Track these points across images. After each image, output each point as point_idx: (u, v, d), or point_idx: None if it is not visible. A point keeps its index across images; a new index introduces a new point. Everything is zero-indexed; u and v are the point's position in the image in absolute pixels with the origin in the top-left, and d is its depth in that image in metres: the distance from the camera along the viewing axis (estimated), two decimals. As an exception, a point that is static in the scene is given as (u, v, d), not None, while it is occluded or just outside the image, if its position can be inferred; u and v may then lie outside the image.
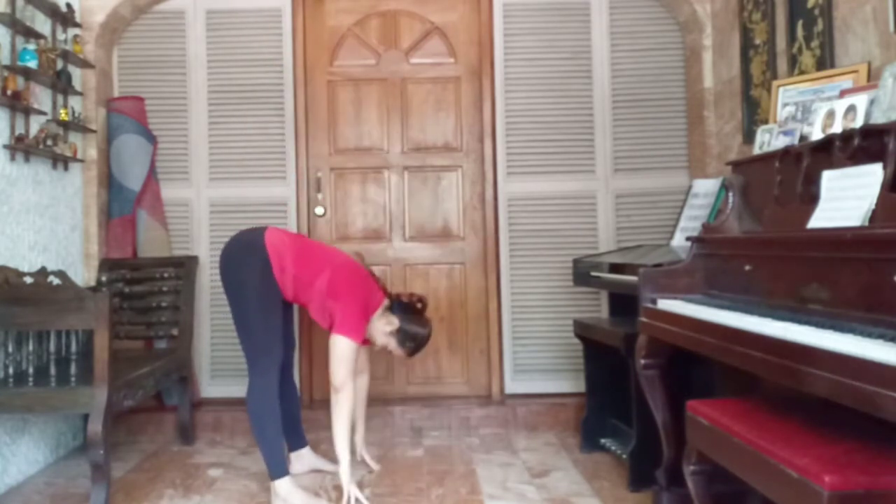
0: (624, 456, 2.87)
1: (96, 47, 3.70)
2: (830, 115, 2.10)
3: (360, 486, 2.89)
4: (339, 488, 2.86)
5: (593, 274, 3.17)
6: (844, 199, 1.83)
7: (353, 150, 3.95)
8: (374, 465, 3.09)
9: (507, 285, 3.86)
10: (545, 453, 3.29)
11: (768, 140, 2.52)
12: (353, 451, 2.81)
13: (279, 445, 2.68)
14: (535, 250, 3.86)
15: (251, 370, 2.69)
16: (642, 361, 2.40)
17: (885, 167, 1.74)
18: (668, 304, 2.29)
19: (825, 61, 2.62)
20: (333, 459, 3.14)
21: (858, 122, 1.97)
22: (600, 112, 3.88)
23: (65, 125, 3.41)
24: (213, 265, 3.75)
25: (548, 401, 3.73)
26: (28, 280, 3.00)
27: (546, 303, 3.85)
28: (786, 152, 2.22)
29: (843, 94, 2.20)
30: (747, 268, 2.10)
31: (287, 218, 3.87)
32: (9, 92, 2.97)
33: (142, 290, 3.61)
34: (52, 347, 2.85)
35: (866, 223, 1.72)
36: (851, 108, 2.03)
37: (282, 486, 2.64)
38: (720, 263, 2.30)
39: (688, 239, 2.47)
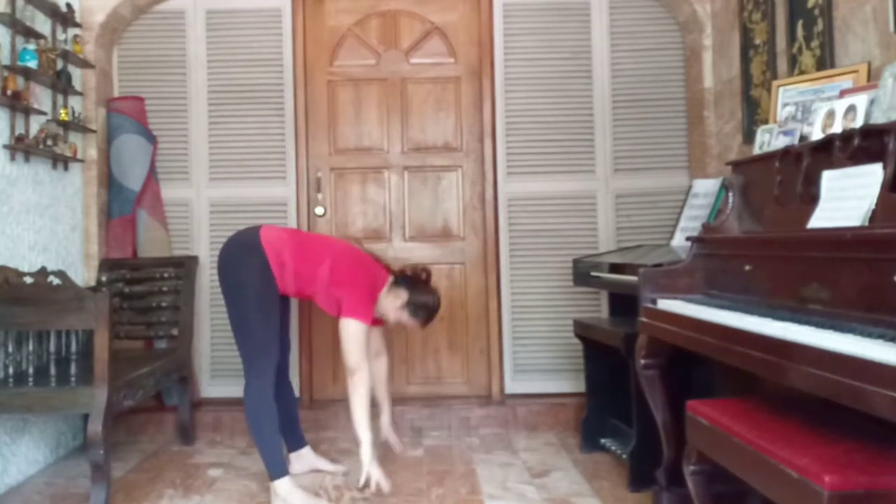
0: (624, 456, 2.87)
1: (96, 47, 3.70)
2: (830, 115, 2.10)
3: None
4: (339, 488, 2.87)
5: (593, 274, 3.17)
6: (844, 199, 1.83)
7: (353, 150, 3.95)
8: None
9: (507, 285, 3.86)
10: (545, 453, 3.29)
11: (768, 140, 2.52)
12: (376, 434, 2.82)
13: (277, 446, 2.68)
14: (535, 250, 3.86)
15: (247, 371, 2.68)
16: (642, 361, 2.40)
17: (885, 167, 1.74)
18: (668, 304, 2.29)
19: (825, 61, 2.62)
20: (333, 459, 3.16)
21: (858, 122, 1.97)
22: (600, 112, 3.88)
23: (65, 125, 3.41)
24: (213, 265, 3.73)
25: (548, 401, 3.73)
26: (28, 280, 3.00)
27: (546, 303, 3.85)
28: (786, 152, 2.22)
29: (843, 94, 2.20)
30: (747, 268, 2.10)
31: (287, 218, 3.87)
32: (9, 92, 2.97)
33: (142, 290, 3.61)
34: (52, 347, 2.85)
35: (866, 223, 1.72)
36: (851, 108, 2.03)
37: (281, 486, 2.64)
38: (720, 263, 2.30)
39: (688, 239, 2.47)
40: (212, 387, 3.84)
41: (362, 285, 2.74)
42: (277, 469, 2.65)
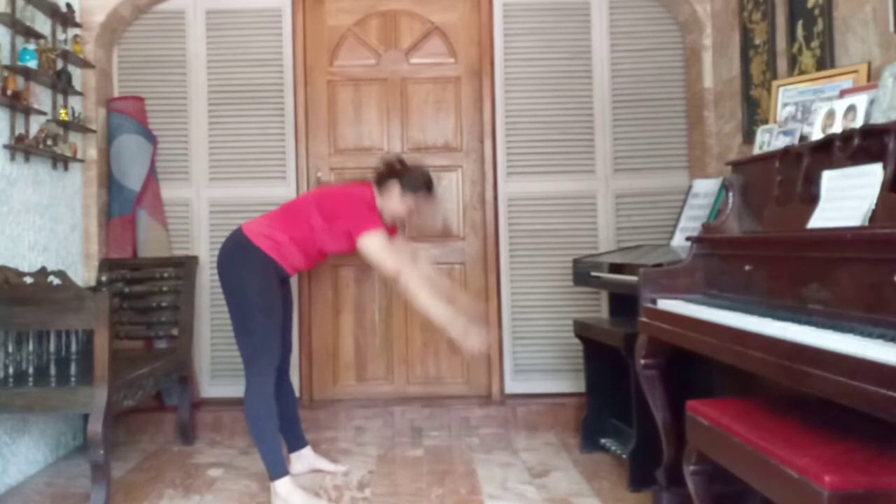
0: (624, 456, 2.87)
1: (96, 47, 3.70)
2: (830, 115, 2.10)
3: (360, 486, 2.89)
4: (339, 488, 2.87)
5: (593, 274, 3.17)
6: (844, 199, 1.83)
7: (354, 149, 3.95)
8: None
9: (506, 285, 3.86)
10: (545, 453, 3.29)
11: (768, 140, 2.52)
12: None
13: (277, 446, 2.68)
14: (535, 250, 3.86)
15: (248, 371, 2.69)
16: (642, 361, 2.40)
17: (885, 167, 1.74)
18: (668, 304, 2.29)
19: (825, 61, 2.62)
20: (333, 459, 3.16)
21: (858, 122, 1.97)
22: (600, 112, 3.88)
23: (65, 125, 3.41)
24: (213, 265, 3.72)
25: (548, 401, 3.73)
26: (28, 280, 3.00)
27: (546, 303, 3.85)
28: (786, 152, 2.22)
29: (843, 94, 2.20)
30: (747, 268, 2.10)
31: (287, 218, 3.86)
32: (9, 92, 2.97)
33: (142, 290, 3.61)
34: (52, 347, 2.86)
35: (866, 223, 1.72)
36: (851, 108, 2.03)
37: (282, 486, 2.64)
38: (720, 263, 2.30)
39: (688, 239, 2.47)
40: (212, 387, 3.84)
41: (355, 203, 2.79)
42: (277, 469, 2.65)
